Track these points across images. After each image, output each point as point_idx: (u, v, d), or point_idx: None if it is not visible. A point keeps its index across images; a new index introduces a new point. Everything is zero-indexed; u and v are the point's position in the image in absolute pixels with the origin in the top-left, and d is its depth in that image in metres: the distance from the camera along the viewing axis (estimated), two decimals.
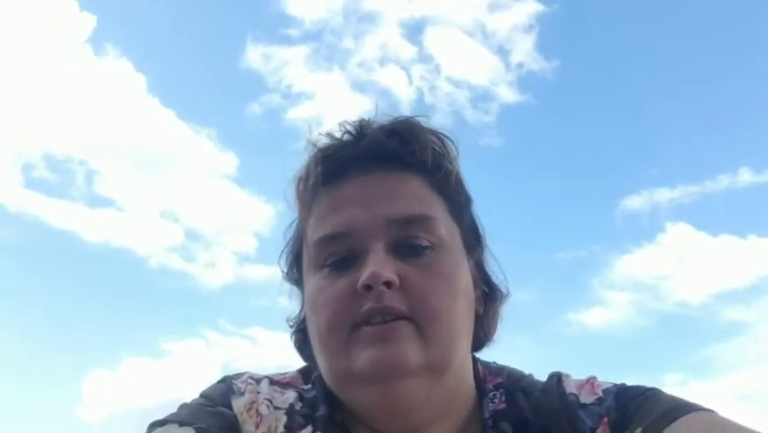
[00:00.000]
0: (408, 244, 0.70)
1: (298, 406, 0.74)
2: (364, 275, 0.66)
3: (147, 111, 8.57)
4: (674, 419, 0.65)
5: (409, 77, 9.20)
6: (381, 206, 0.71)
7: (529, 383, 0.79)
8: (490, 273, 0.80)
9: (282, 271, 0.82)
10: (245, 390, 0.75)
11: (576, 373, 0.80)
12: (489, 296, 0.79)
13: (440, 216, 0.73)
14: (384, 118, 0.76)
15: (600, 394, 0.75)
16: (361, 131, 0.75)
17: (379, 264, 0.67)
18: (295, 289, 0.81)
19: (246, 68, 8.94)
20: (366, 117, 0.76)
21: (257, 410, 0.73)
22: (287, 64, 8.82)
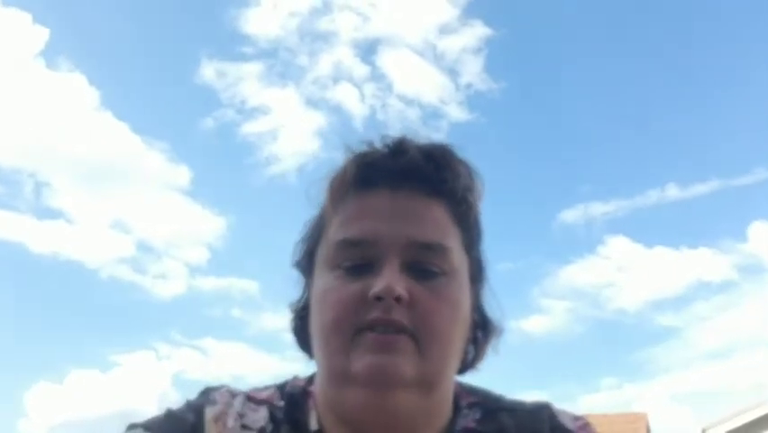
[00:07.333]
0: (422, 267, 0.74)
1: (270, 428, 0.77)
2: (378, 286, 0.70)
3: (100, 124, 8.41)
4: None
5: (362, 94, 9.30)
6: (405, 225, 0.74)
7: (512, 402, 0.84)
8: (485, 305, 0.83)
9: (295, 258, 0.84)
10: (219, 400, 0.78)
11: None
12: (480, 324, 0.82)
13: (455, 247, 0.76)
14: (422, 140, 0.79)
15: None
16: (401, 147, 0.78)
17: (393, 279, 0.70)
18: (301, 277, 0.84)
19: (200, 83, 8.89)
20: (406, 136, 0.79)
21: (224, 423, 0.76)
22: (241, 80, 8.82)
